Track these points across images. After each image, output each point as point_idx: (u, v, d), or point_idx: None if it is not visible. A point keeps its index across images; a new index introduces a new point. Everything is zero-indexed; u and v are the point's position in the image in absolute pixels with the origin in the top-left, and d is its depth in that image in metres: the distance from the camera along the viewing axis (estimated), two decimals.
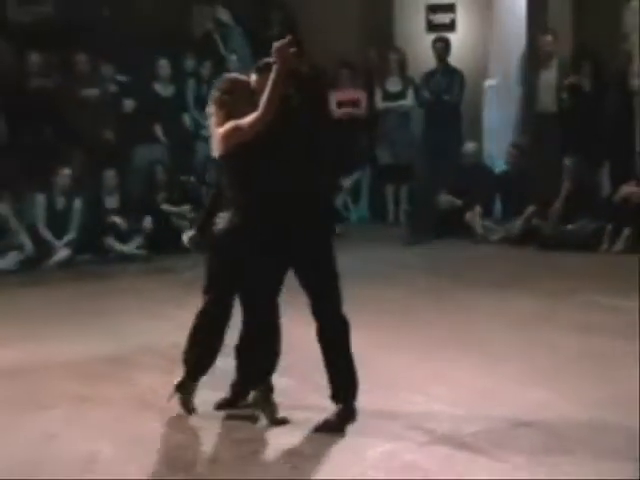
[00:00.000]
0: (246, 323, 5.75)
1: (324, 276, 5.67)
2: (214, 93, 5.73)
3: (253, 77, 5.66)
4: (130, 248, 11.04)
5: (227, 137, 5.52)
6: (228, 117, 5.56)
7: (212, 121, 5.68)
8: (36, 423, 5.77)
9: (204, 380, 5.84)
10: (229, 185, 5.67)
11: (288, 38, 5.40)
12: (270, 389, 5.68)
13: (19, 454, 5.33)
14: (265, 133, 5.39)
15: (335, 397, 5.63)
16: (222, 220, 5.67)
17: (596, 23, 12.43)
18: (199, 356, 5.78)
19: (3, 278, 10.20)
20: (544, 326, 7.73)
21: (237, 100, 5.59)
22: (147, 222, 11.15)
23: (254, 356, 5.76)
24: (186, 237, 6.02)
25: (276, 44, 5.37)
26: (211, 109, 5.69)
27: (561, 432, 5.40)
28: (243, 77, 5.77)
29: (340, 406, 5.60)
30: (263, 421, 5.66)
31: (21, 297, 9.34)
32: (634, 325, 7.44)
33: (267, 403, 5.66)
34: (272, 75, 5.35)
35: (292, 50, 5.36)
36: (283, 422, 5.61)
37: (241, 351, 5.82)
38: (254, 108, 5.42)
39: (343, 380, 5.64)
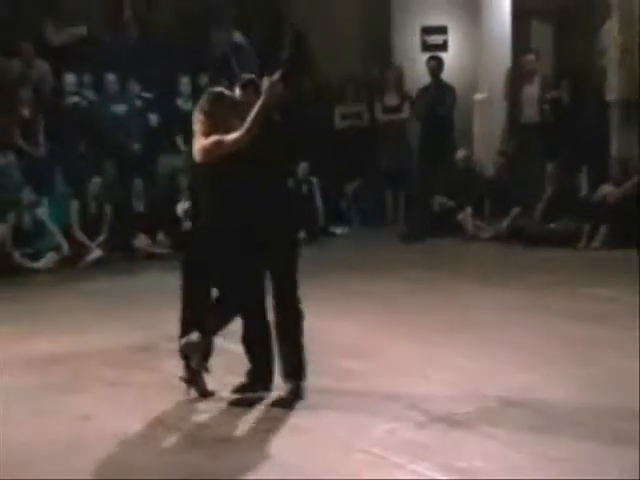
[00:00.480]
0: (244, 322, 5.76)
1: (286, 274, 5.72)
2: (202, 103, 5.72)
3: (237, 92, 5.73)
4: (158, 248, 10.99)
5: (209, 150, 5.52)
6: (214, 127, 5.57)
7: (197, 127, 5.66)
8: (73, 405, 5.78)
9: (223, 365, 5.84)
10: (208, 187, 5.64)
11: (280, 74, 5.49)
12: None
13: (59, 432, 5.34)
14: (248, 146, 5.43)
15: (286, 377, 5.70)
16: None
17: (575, 43, 12.41)
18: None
19: (42, 276, 10.20)
20: (532, 314, 7.71)
21: (223, 111, 5.62)
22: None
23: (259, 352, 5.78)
24: (180, 209, 5.94)
25: (270, 79, 5.47)
26: (198, 117, 5.67)
27: (547, 411, 5.39)
28: (228, 92, 5.80)
29: (289, 385, 5.67)
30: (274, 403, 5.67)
31: (58, 293, 9.32)
32: (615, 312, 7.45)
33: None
34: (260, 102, 5.43)
35: (281, 87, 5.46)
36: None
37: (246, 346, 5.82)
38: (238, 121, 5.47)
39: (292, 362, 5.70)
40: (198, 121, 5.67)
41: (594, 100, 11.65)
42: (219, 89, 5.91)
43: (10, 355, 6.91)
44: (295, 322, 5.72)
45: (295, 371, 5.71)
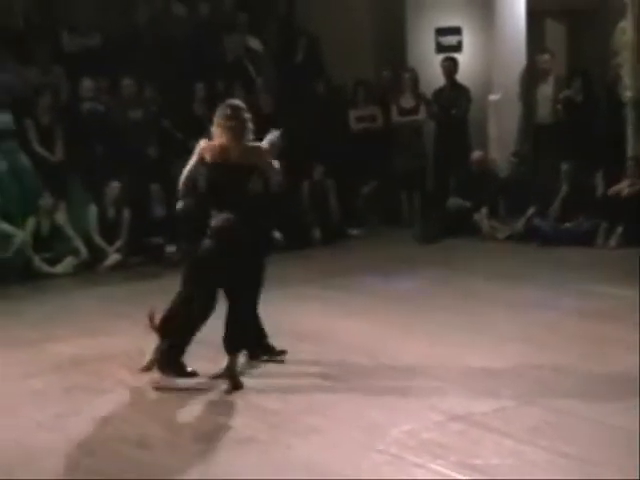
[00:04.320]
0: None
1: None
2: (246, 116, 6.08)
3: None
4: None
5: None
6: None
7: (268, 149, 6.13)
8: (93, 408, 5.83)
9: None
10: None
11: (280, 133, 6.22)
12: None
13: (78, 434, 5.39)
14: None
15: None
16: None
17: (589, 42, 12.42)
18: None
19: (61, 281, 10.23)
20: (546, 311, 7.75)
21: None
22: None
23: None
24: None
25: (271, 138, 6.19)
26: (248, 132, 6.07)
27: (563, 409, 5.41)
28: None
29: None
30: (294, 404, 5.71)
31: (78, 298, 9.35)
32: (626, 310, 7.45)
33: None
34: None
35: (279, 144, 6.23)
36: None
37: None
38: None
39: None
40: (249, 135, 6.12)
41: (608, 99, 11.66)
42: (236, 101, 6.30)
43: (32, 358, 6.99)
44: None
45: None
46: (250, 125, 6.09)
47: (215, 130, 6.09)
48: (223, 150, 6.05)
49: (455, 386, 5.91)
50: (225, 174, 6.05)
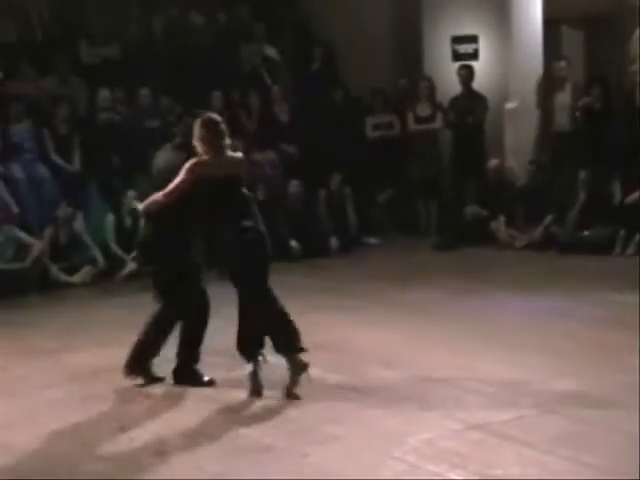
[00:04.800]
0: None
1: None
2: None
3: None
4: None
5: None
6: None
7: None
8: (111, 417, 5.85)
9: None
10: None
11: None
12: None
13: (97, 443, 5.40)
14: None
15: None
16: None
17: (605, 50, 12.38)
18: None
19: (78, 290, 10.24)
20: (564, 320, 7.72)
21: None
22: None
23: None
24: None
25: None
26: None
27: (583, 417, 5.37)
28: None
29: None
30: (312, 413, 5.68)
31: (95, 307, 9.36)
32: None
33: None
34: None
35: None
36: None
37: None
38: None
39: None
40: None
41: (626, 106, 11.61)
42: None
43: (50, 368, 7.00)
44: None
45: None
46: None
47: (201, 146, 6.10)
48: (216, 164, 6.10)
49: (473, 395, 5.87)
50: (225, 186, 6.11)
